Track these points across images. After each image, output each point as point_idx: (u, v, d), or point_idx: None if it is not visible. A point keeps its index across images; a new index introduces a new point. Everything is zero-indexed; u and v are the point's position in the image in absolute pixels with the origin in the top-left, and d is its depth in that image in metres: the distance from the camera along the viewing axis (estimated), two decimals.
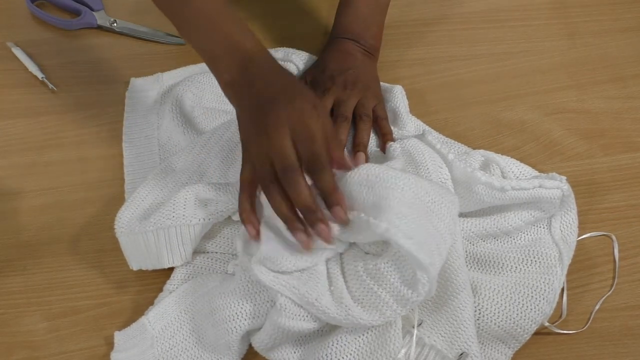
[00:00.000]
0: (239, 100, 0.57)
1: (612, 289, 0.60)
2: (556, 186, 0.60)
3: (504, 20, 0.76)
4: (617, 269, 0.61)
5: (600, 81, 0.75)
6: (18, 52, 0.74)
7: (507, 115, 0.72)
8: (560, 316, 0.59)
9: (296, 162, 0.52)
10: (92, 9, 0.77)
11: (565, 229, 0.61)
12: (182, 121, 0.68)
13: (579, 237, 0.62)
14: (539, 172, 0.65)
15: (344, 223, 0.53)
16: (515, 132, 0.71)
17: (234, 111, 0.58)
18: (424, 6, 0.80)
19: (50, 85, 0.72)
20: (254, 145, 0.55)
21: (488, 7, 0.80)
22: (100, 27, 0.77)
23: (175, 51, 0.76)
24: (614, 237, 0.62)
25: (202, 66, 0.71)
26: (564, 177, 0.61)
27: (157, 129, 0.69)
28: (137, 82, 0.72)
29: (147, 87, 0.72)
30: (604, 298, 0.59)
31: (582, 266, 0.62)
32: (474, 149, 0.67)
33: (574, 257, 0.61)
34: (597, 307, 0.59)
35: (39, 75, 0.72)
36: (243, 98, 0.57)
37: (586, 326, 0.58)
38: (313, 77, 0.70)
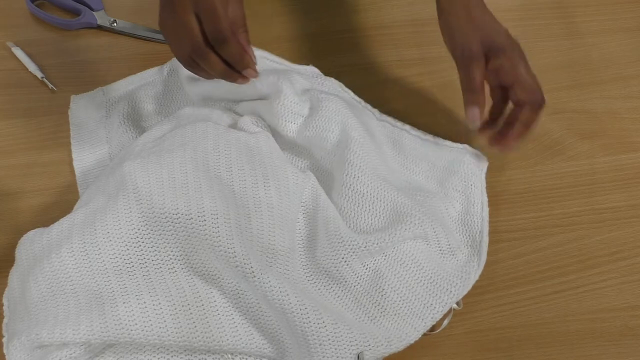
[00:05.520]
0: None
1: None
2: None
3: (504, 20, 0.76)
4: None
5: (600, 81, 0.75)
6: (18, 52, 0.74)
7: None
8: (458, 304, 0.58)
9: (202, 40, 0.55)
10: (92, 9, 0.77)
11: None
12: (134, 131, 0.68)
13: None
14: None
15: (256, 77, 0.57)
16: None
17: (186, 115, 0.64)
18: (424, 6, 0.80)
19: (50, 85, 0.72)
20: (165, 26, 0.57)
21: (488, 7, 0.80)
22: (100, 27, 0.77)
23: None
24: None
25: (143, 76, 0.72)
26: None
27: (106, 142, 0.68)
28: (78, 99, 0.71)
29: (90, 103, 0.70)
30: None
31: (583, 266, 0.62)
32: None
33: (572, 258, 0.62)
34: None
35: (39, 75, 0.72)
36: None
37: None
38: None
